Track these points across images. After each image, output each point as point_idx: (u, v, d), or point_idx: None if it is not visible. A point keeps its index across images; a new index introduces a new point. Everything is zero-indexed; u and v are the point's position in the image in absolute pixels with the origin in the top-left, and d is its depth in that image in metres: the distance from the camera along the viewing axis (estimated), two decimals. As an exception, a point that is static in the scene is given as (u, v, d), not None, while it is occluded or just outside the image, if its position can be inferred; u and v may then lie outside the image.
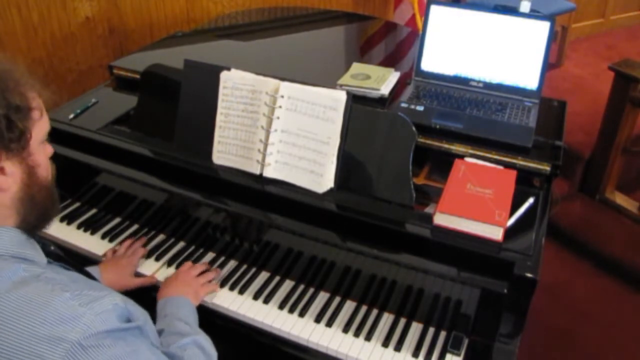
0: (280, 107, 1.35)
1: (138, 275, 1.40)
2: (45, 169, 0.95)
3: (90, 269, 1.31)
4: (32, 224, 0.94)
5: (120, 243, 1.47)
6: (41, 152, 0.94)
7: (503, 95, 1.58)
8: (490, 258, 1.17)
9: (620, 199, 2.69)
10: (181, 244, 1.48)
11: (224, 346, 1.19)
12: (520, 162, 1.39)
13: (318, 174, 1.33)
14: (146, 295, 1.39)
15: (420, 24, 3.03)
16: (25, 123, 0.89)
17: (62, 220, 1.54)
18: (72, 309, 0.81)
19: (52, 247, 1.05)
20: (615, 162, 2.63)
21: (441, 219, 1.22)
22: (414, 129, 1.31)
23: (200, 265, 1.39)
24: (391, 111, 1.45)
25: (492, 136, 1.43)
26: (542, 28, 1.53)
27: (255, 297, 1.34)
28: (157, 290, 1.38)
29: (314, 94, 1.33)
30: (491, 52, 1.59)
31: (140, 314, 0.94)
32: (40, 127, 0.92)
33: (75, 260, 1.18)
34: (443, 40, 1.63)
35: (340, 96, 1.32)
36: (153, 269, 1.41)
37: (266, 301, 1.33)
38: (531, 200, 1.32)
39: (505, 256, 1.16)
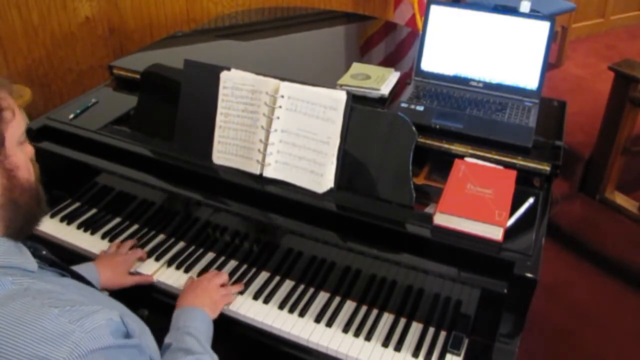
0: (280, 107, 1.35)
1: (136, 274, 1.39)
2: (26, 171, 0.91)
3: (86, 266, 1.31)
4: (18, 229, 0.90)
5: (121, 243, 1.47)
6: (20, 153, 0.90)
7: (503, 95, 1.58)
8: (490, 258, 1.17)
9: (620, 199, 2.69)
10: (181, 244, 1.48)
11: (224, 346, 1.19)
12: (520, 162, 1.39)
13: (318, 174, 1.33)
14: (146, 297, 1.40)
15: (420, 24, 3.03)
16: None
17: (62, 220, 1.54)
18: (60, 327, 0.77)
19: (45, 252, 1.01)
20: (615, 162, 2.63)
21: (441, 219, 1.22)
22: (414, 129, 1.31)
23: (224, 274, 1.34)
24: (391, 111, 1.45)
25: (492, 136, 1.43)
26: (542, 28, 1.53)
27: (255, 297, 1.34)
28: (158, 291, 1.39)
29: (314, 94, 1.34)
30: (491, 52, 1.59)
31: (138, 328, 0.90)
32: (14, 127, 0.88)
33: (71, 263, 1.17)
34: (443, 40, 1.63)
35: (340, 96, 1.32)
36: (153, 269, 1.41)
37: (266, 301, 1.33)
38: (531, 200, 1.32)
39: (505, 256, 1.16)
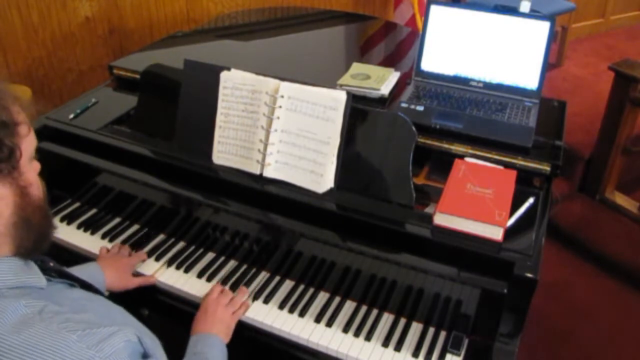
0: (280, 107, 1.35)
1: (138, 275, 1.39)
2: (37, 188, 0.89)
3: (91, 266, 1.32)
4: (29, 249, 0.88)
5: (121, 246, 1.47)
6: (31, 170, 0.88)
7: (503, 95, 1.58)
8: (490, 258, 1.17)
9: (620, 199, 2.69)
10: (181, 244, 1.48)
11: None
12: (520, 162, 1.39)
13: (318, 173, 1.33)
14: (146, 297, 1.40)
15: (420, 24, 3.03)
16: (13, 140, 0.81)
17: (62, 220, 1.54)
18: (79, 353, 0.76)
19: (52, 263, 0.99)
20: (615, 162, 2.63)
21: (441, 219, 1.22)
22: (414, 129, 1.31)
23: (228, 292, 1.33)
24: (391, 111, 1.45)
25: (492, 136, 1.43)
26: (542, 28, 1.53)
27: (255, 297, 1.34)
28: (158, 291, 1.39)
29: (313, 94, 1.34)
30: (491, 52, 1.59)
31: (155, 345, 0.89)
32: (28, 143, 0.85)
33: (71, 263, 1.16)
34: (443, 40, 1.63)
35: (340, 96, 1.32)
36: (153, 269, 1.41)
37: (266, 301, 1.33)
38: (531, 200, 1.32)
39: (505, 256, 1.16)
